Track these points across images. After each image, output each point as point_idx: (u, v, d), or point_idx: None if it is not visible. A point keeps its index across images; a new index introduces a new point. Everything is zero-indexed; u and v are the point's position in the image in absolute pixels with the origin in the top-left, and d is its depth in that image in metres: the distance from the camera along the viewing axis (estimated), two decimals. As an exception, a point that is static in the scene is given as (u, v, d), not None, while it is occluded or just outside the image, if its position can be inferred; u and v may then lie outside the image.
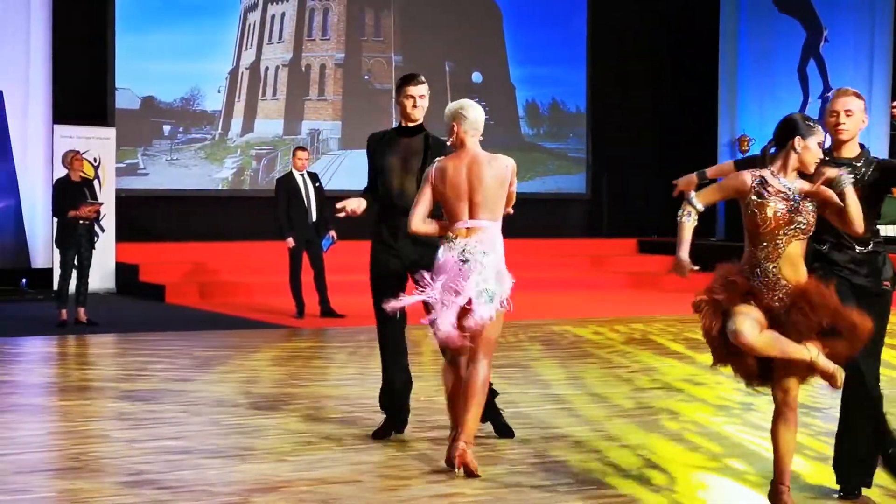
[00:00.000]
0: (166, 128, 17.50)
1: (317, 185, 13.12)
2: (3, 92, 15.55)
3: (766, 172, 5.08)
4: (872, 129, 15.43)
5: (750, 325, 4.90)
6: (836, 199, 4.98)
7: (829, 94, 17.72)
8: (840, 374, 5.03)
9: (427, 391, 7.57)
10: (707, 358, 5.33)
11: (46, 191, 14.78)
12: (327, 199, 12.68)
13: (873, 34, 17.65)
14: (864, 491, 5.45)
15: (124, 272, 15.70)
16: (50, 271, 14.68)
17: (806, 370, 5.03)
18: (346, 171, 17.50)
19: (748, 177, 5.07)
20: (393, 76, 18.12)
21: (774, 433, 5.13)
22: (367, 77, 18.68)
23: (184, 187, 17.46)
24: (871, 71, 17.47)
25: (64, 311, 12.13)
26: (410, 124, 6.68)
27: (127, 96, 17.14)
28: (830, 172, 5.05)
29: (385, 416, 6.79)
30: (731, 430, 7.14)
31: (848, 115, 5.31)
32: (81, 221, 12.07)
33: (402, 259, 6.56)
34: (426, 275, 5.89)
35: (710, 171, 5.88)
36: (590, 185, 20.13)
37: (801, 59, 18.73)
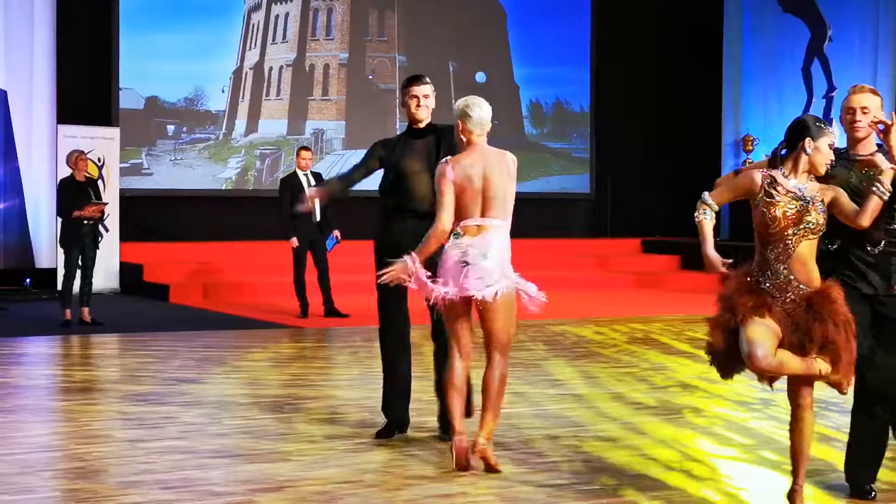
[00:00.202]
0: (170, 128, 17.51)
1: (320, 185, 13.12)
2: (7, 92, 15.56)
3: (776, 173, 5.07)
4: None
5: (763, 351, 4.89)
6: (885, 165, 5.01)
7: (836, 92, 17.88)
8: (847, 380, 5.03)
9: (429, 391, 7.56)
10: None
11: (51, 191, 14.77)
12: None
13: (877, 33, 17.63)
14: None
15: (128, 272, 15.69)
16: (54, 271, 14.68)
17: (816, 376, 5.04)
18: (350, 171, 17.47)
19: (758, 176, 5.07)
20: (397, 76, 18.12)
21: (790, 433, 5.14)
22: (371, 77, 18.68)
23: (188, 187, 17.46)
24: (875, 70, 17.44)
25: (68, 311, 12.13)
26: (419, 125, 6.67)
27: (131, 96, 17.14)
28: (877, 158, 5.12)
29: (388, 416, 6.80)
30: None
31: (864, 113, 5.28)
32: (86, 221, 12.07)
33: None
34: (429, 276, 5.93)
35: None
36: (594, 185, 20.11)
37: (805, 58, 18.71)
